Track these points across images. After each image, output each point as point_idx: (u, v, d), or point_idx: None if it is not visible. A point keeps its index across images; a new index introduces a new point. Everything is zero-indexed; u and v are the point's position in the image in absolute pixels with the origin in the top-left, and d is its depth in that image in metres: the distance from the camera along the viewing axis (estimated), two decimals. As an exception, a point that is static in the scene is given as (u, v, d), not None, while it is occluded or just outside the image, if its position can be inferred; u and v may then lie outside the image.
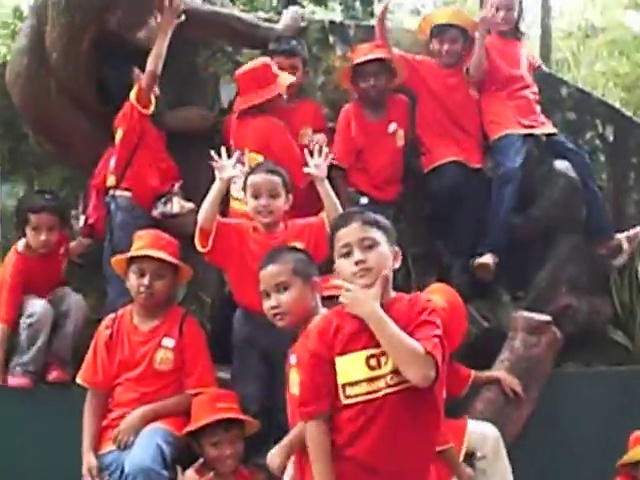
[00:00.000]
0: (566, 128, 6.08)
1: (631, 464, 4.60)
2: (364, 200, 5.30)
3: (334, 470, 3.05)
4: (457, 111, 5.77)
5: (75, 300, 5.33)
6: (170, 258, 4.65)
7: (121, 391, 4.56)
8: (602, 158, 6.33)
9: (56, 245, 5.37)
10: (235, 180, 4.73)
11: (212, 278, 5.22)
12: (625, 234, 5.78)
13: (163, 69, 5.29)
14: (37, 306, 5.16)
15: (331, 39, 6.18)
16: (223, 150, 4.74)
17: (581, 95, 6.53)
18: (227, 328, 4.76)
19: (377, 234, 3.14)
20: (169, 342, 4.58)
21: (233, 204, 4.99)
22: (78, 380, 4.67)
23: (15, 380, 5.12)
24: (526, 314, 5.29)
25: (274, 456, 3.49)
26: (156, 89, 5.35)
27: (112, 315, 4.72)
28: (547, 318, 5.30)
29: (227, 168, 4.58)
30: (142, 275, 4.58)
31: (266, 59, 5.44)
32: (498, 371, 5.14)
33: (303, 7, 6.83)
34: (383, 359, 3.02)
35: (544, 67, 6.65)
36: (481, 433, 4.66)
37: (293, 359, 3.55)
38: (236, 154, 4.82)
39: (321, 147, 4.90)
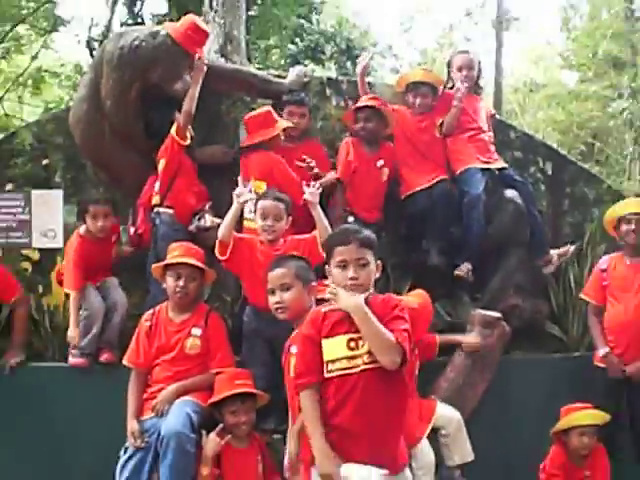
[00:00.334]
0: (514, 164, 6.07)
1: (562, 432, 4.64)
2: (351, 219, 5.29)
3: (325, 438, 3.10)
4: (426, 148, 5.75)
5: (120, 296, 5.36)
6: (200, 264, 4.68)
7: (158, 370, 4.58)
8: (542, 188, 6.32)
9: (109, 232, 5.41)
10: (248, 204, 4.76)
11: (231, 281, 5.21)
12: (557, 251, 5.79)
13: (195, 113, 5.35)
14: (91, 302, 5.18)
15: (328, 92, 6.17)
16: (240, 180, 4.99)
17: (526, 138, 6.53)
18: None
19: (369, 254, 3.23)
20: (197, 331, 4.60)
21: (245, 222, 4.99)
22: (124, 362, 4.70)
23: (74, 361, 5.16)
24: (482, 311, 5.30)
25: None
26: (190, 129, 5.38)
27: (151, 310, 4.75)
28: (498, 315, 5.30)
29: (243, 195, 4.65)
30: (178, 278, 4.61)
31: (269, 107, 5.55)
32: (460, 335, 5.22)
33: (305, 66, 6.84)
34: (361, 342, 3.11)
35: (497, 115, 6.65)
36: (447, 415, 4.69)
37: (293, 349, 3.54)
38: (249, 184, 4.98)
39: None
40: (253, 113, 5.54)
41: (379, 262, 3.29)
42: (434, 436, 4.55)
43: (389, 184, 5.68)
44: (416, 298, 4.69)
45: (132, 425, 4.39)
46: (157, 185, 5.36)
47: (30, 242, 5.93)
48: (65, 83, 18.35)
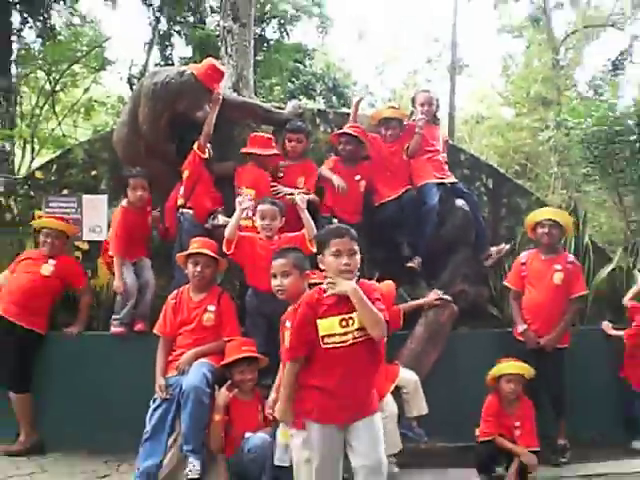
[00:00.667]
0: (463, 179, 6.08)
1: (495, 382, 4.68)
2: (335, 221, 5.27)
3: (305, 396, 3.20)
4: (395, 168, 5.74)
5: (151, 276, 5.38)
6: (214, 254, 4.68)
7: (180, 338, 4.59)
8: (485, 199, 6.32)
9: (146, 203, 5.42)
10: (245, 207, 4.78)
11: (238, 269, 5.19)
12: (495, 248, 5.81)
13: (212, 135, 5.39)
14: (128, 280, 5.18)
15: (317, 120, 6.20)
16: (243, 191, 5.15)
17: (473, 159, 6.53)
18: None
19: (356, 246, 3.23)
20: (211, 308, 4.61)
21: (241, 222, 4.90)
22: (154, 331, 4.70)
23: (115, 329, 5.17)
24: (437, 290, 5.35)
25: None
26: (209, 146, 5.38)
27: (175, 291, 4.75)
28: (449, 298, 5.33)
29: (244, 202, 4.72)
30: (196, 265, 4.63)
31: (270, 134, 5.67)
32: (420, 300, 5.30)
33: (300, 100, 6.82)
34: (351, 321, 3.13)
35: (450, 141, 6.65)
36: (407, 377, 4.67)
37: (288, 324, 3.53)
38: (248, 195, 5.06)
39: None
40: (259, 133, 5.62)
41: (360, 255, 3.30)
42: (397, 393, 4.55)
43: (365, 195, 5.68)
44: (383, 285, 4.69)
45: (159, 381, 4.40)
46: (181, 190, 5.36)
47: (81, 236, 5.92)
48: (110, 111, 18.32)
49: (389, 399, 4.39)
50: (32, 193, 6.08)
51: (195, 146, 5.32)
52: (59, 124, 17.45)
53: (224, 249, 4.64)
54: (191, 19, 16.38)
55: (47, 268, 5.22)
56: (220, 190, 5.50)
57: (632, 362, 5.37)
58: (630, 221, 8.48)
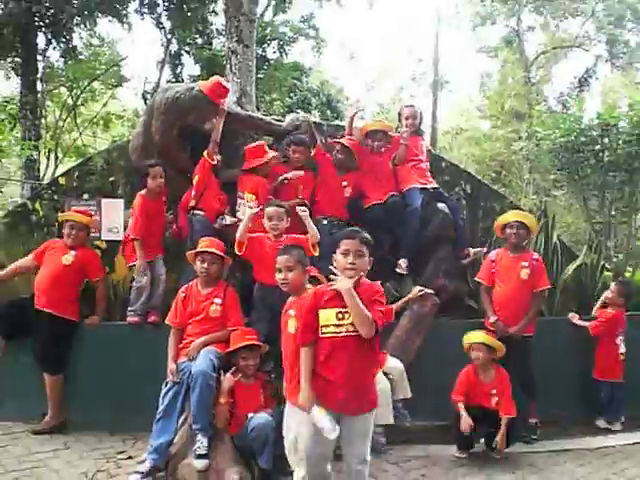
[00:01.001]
0: (444, 185, 6.10)
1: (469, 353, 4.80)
2: (325, 221, 5.34)
3: (313, 384, 3.14)
4: (382, 176, 5.75)
5: (163, 272, 5.36)
6: (219, 252, 4.67)
7: (190, 328, 4.56)
8: (464, 202, 6.35)
9: (162, 191, 5.40)
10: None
11: (240, 266, 5.18)
12: (474, 250, 5.82)
13: (219, 145, 5.40)
14: (142, 276, 5.17)
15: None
16: (245, 195, 5.21)
17: (453, 167, 6.56)
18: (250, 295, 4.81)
19: (365, 249, 3.22)
20: (218, 300, 4.59)
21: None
22: (166, 321, 4.68)
23: (131, 319, 5.17)
24: (419, 287, 5.33)
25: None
26: (218, 155, 5.39)
27: (186, 285, 4.72)
28: (431, 291, 5.34)
29: (253, 208, 4.80)
30: (204, 262, 4.61)
31: (262, 142, 5.63)
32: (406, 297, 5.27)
33: (298, 113, 6.81)
34: (346, 315, 3.12)
35: (432, 151, 6.67)
36: (392, 365, 4.70)
37: (292, 312, 3.53)
38: (255, 202, 5.13)
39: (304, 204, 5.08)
40: (251, 145, 5.58)
41: (370, 258, 3.28)
42: (385, 378, 4.56)
43: (353, 199, 5.69)
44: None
45: (171, 366, 4.38)
46: (192, 193, 5.35)
47: (100, 235, 5.93)
48: (126, 123, 18.40)
49: (381, 377, 4.41)
50: (56, 197, 6.09)
51: (205, 153, 5.34)
52: (80, 135, 17.50)
53: (236, 250, 4.62)
54: (199, 41, 16.40)
55: (67, 258, 5.19)
56: (226, 193, 5.48)
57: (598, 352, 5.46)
58: (594, 222, 8.51)
